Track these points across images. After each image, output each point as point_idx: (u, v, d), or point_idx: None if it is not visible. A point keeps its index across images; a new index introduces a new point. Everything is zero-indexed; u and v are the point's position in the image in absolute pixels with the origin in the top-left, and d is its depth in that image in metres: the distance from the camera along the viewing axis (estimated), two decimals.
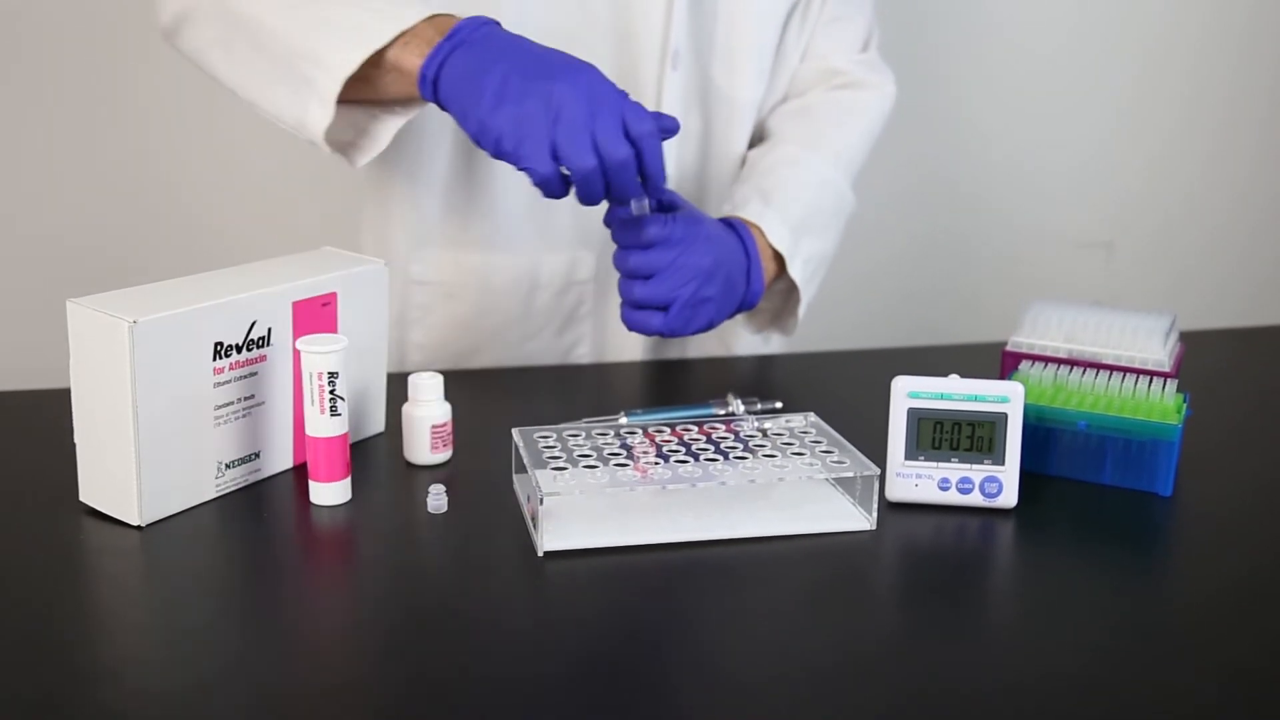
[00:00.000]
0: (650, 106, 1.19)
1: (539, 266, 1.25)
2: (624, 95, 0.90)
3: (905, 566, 0.87)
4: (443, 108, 0.95)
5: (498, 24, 0.97)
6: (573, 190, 0.91)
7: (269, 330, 0.92)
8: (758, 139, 1.30)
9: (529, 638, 0.75)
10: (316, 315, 0.96)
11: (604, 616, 0.79)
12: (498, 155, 0.91)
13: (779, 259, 1.16)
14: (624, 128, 0.89)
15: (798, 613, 0.79)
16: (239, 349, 0.90)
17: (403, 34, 0.96)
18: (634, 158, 0.89)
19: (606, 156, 0.88)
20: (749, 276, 1.10)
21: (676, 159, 1.24)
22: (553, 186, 0.90)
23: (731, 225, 1.12)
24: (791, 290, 1.21)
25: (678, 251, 1.00)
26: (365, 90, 1.00)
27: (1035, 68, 1.89)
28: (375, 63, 0.97)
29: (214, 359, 0.89)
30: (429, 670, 0.71)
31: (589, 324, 1.29)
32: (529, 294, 1.25)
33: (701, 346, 1.34)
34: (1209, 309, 1.76)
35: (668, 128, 0.92)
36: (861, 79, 1.30)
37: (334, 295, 0.97)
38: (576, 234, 1.26)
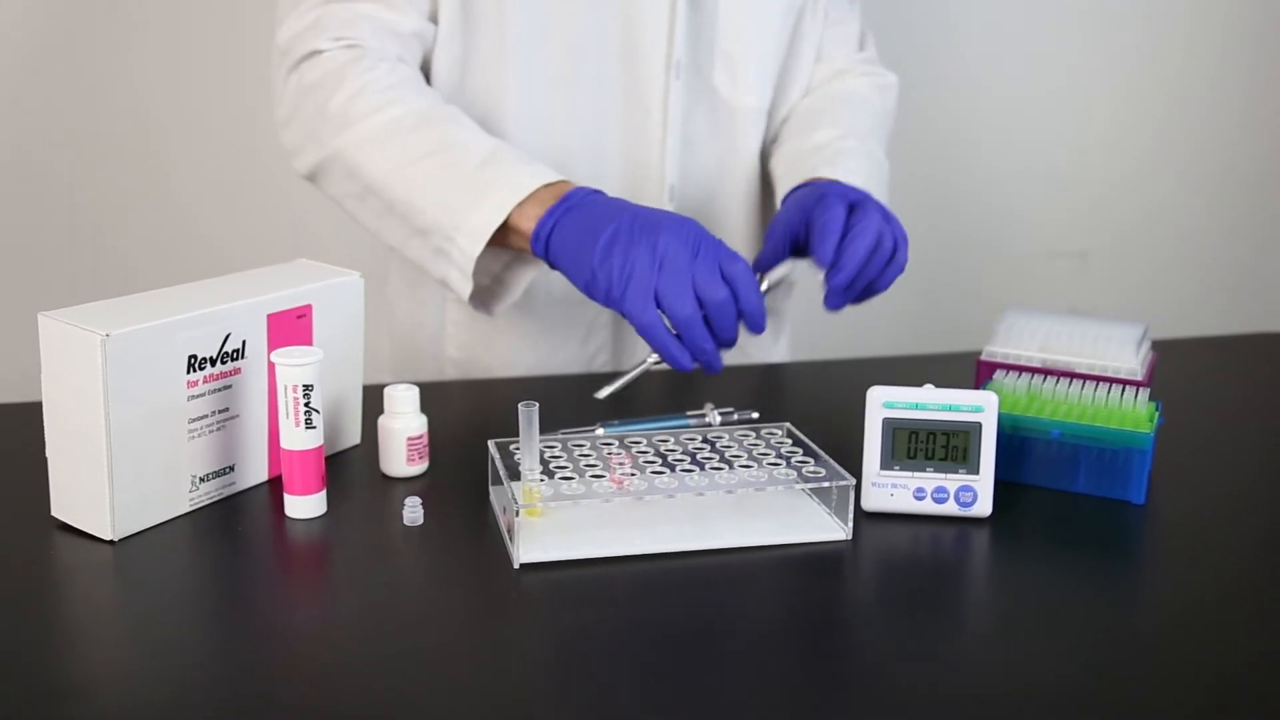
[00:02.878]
0: (657, 116, 1.23)
1: (559, 277, 1.24)
2: (719, 242, 0.96)
3: (881, 576, 0.87)
4: (553, 264, 1.01)
5: (603, 192, 1.03)
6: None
7: (244, 343, 0.92)
8: (775, 136, 1.32)
9: (505, 649, 0.75)
10: (292, 327, 0.95)
11: (580, 628, 0.78)
12: (607, 303, 0.96)
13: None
14: (720, 270, 0.95)
15: (774, 623, 0.79)
16: (213, 362, 0.90)
17: (520, 201, 1.02)
18: (732, 299, 0.94)
19: (706, 298, 0.94)
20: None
21: (683, 164, 1.26)
22: (656, 331, 0.94)
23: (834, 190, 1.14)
24: None
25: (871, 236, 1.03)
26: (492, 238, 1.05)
27: (1009, 79, 1.90)
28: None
29: (188, 372, 0.88)
30: (405, 684, 0.71)
31: (608, 333, 1.31)
32: (546, 305, 1.27)
33: None
34: (1181, 318, 1.77)
35: (747, 268, 0.96)
36: (867, 74, 1.37)
37: (309, 307, 0.97)
38: None
